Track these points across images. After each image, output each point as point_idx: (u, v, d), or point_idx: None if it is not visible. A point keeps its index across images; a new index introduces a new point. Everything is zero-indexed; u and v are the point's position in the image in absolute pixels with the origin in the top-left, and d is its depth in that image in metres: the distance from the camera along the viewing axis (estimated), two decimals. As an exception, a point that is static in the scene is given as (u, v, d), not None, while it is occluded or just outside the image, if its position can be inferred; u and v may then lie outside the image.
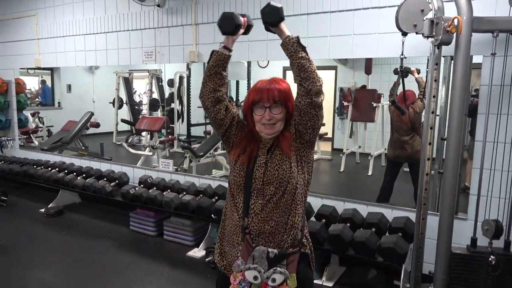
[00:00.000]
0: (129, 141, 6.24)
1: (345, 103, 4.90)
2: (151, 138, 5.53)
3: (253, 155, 1.54)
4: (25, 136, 5.94)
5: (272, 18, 1.47)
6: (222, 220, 1.66)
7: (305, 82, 1.44)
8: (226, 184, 2.82)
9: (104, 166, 4.77)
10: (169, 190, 3.88)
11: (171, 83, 6.01)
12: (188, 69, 5.59)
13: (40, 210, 4.64)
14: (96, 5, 4.64)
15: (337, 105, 5.04)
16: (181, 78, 5.88)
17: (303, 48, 1.45)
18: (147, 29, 4.24)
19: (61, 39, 5.03)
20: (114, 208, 4.71)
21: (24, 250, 3.62)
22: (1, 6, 5.60)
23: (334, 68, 4.89)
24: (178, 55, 4.10)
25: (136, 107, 6.74)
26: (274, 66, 4.78)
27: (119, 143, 6.07)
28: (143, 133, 6.19)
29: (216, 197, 3.62)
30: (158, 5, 4.00)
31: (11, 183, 5.47)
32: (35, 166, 5.01)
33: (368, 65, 4.33)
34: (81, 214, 4.61)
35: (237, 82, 5.82)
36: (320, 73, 1.48)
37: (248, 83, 5.38)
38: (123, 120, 6.51)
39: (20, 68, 5.72)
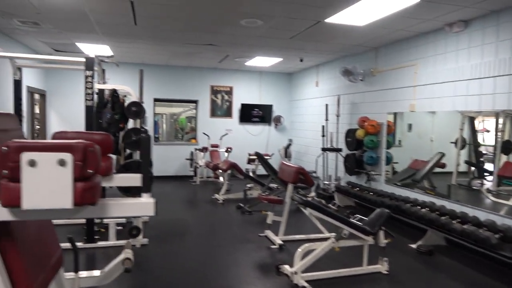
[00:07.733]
0: (470, 184, 5.78)
1: None
2: (498, 185, 4.85)
3: None
4: (387, 171, 6.58)
5: None
6: None
7: None
8: None
9: (476, 213, 4.54)
10: None
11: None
12: None
13: (410, 245, 4.94)
14: (485, 50, 4.59)
15: None
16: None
17: None
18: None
19: (438, 85, 5.29)
20: (497, 265, 4.33)
21: (409, 282, 3.92)
22: (384, 59, 6.55)
23: None
24: None
25: (479, 148, 6.19)
26: None
27: (467, 185, 5.69)
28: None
29: None
30: None
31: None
32: (403, 202, 5.41)
33: None
34: (451, 259, 4.56)
35: None
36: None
37: None
38: (467, 162, 6.10)
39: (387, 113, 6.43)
